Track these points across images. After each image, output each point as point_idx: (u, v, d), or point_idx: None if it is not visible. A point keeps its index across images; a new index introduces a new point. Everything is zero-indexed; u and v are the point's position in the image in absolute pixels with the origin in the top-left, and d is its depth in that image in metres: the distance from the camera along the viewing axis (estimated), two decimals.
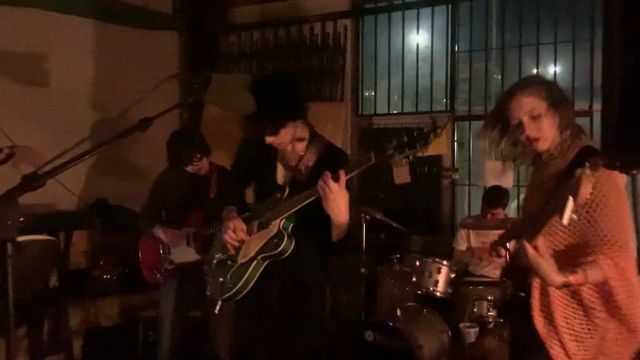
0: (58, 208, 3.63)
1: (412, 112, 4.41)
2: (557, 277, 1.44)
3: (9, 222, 1.16)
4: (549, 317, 1.57)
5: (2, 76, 3.69)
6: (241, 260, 1.98)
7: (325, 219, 1.84)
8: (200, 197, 2.86)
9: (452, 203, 4.21)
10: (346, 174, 1.72)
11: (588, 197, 1.39)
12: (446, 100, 4.27)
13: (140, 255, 2.97)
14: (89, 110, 4.03)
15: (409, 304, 3.36)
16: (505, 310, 1.86)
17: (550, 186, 1.65)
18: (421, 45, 4.41)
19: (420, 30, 4.39)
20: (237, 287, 1.95)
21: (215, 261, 2.09)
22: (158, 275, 2.89)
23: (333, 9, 4.44)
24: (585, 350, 1.56)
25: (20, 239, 1.22)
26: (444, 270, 3.16)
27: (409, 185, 4.21)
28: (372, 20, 4.49)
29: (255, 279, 1.95)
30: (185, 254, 2.82)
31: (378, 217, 3.48)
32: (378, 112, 4.54)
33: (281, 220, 1.92)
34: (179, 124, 4.62)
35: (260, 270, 1.95)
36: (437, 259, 3.20)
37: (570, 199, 1.35)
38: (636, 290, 1.53)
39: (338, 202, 1.73)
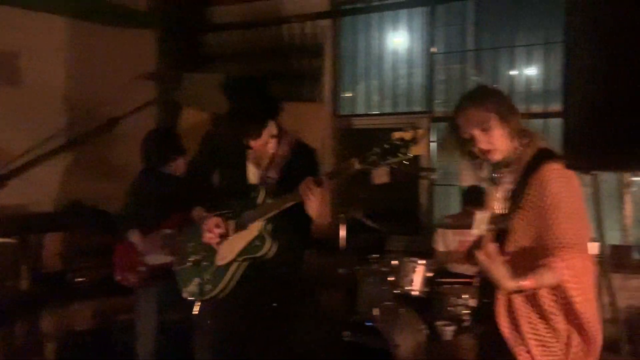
0: (30, 209, 3.55)
1: (391, 113, 4.44)
2: (509, 282, 1.45)
3: None
4: (515, 323, 1.57)
5: None
6: (220, 261, 1.97)
7: (304, 219, 1.86)
8: (176, 200, 2.83)
9: (430, 203, 4.25)
10: (330, 178, 1.76)
11: (495, 209, 1.45)
12: (424, 101, 4.30)
13: (115, 258, 2.92)
14: (62, 110, 3.95)
15: (387, 303, 3.37)
16: (477, 314, 1.87)
17: (510, 191, 1.66)
18: (399, 47, 4.44)
19: (398, 32, 4.42)
20: (218, 288, 1.95)
21: (188, 263, 2.06)
22: (131, 278, 2.85)
23: (312, 9, 4.44)
24: (551, 355, 1.55)
25: None
26: (420, 269, 3.18)
27: (387, 186, 4.22)
28: (351, 21, 4.51)
29: (235, 281, 1.95)
30: (159, 256, 2.78)
31: (357, 218, 3.49)
32: (357, 112, 4.56)
33: (261, 222, 1.92)
34: (155, 125, 4.56)
35: (242, 271, 1.95)
36: (412, 258, 3.22)
37: (477, 212, 1.41)
38: (592, 295, 1.54)
39: (321, 205, 1.77)
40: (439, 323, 3.26)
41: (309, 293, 2.20)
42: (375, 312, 3.15)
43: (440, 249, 3.80)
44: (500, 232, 1.61)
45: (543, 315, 1.54)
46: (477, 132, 1.63)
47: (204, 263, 2.02)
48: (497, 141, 1.63)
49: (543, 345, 1.55)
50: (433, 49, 4.23)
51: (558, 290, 1.51)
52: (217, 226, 1.97)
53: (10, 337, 3.15)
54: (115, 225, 2.93)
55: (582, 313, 1.50)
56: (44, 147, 1.30)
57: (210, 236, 1.97)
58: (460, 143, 1.70)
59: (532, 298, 1.55)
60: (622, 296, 2.86)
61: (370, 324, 3.08)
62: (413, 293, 3.16)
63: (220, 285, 1.95)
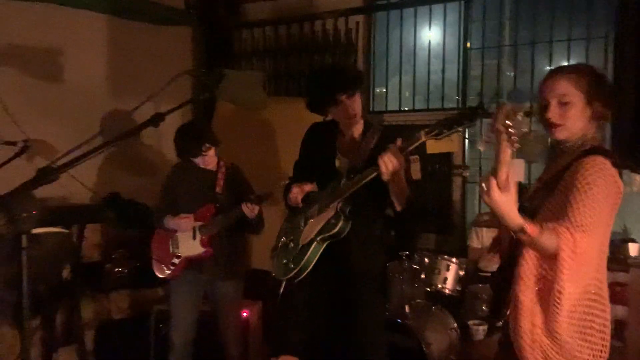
0: (71, 201, 3.68)
1: (424, 109, 4.40)
2: (517, 218, 1.39)
3: (24, 215, 1.18)
4: (521, 307, 1.51)
5: (17, 71, 3.74)
6: (302, 242, 2.11)
7: (381, 198, 2.01)
8: (207, 193, 2.88)
9: (462, 200, 4.19)
10: (401, 151, 1.87)
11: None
12: (458, 98, 4.25)
13: (152, 250, 3.01)
14: (103, 105, 4.06)
15: (418, 301, 3.36)
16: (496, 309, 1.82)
17: (547, 178, 1.61)
18: (433, 42, 4.39)
19: (432, 27, 4.37)
20: (298, 268, 2.07)
21: (280, 245, 2.23)
22: (166, 270, 2.92)
23: (345, 5, 4.43)
24: (516, 326, 1.51)
25: (35, 231, 1.25)
26: (453, 267, 3.15)
27: (419, 183, 4.19)
28: (384, 16, 4.48)
29: (315, 260, 2.07)
30: (191, 247, 2.85)
31: (389, 215, 3.48)
32: (389, 109, 4.53)
33: (338, 202, 2.04)
34: (191, 120, 4.65)
35: (320, 251, 2.07)
36: (446, 256, 3.19)
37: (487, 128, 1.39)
38: (599, 294, 1.47)
39: (398, 173, 1.91)
40: (471, 322, 3.23)
41: (383, 282, 2.29)
42: (407, 309, 3.14)
43: (475, 246, 3.76)
44: (525, 212, 1.53)
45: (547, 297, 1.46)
46: (554, 102, 1.55)
47: (291, 245, 2.17)
48: (570, 119, 1.54)
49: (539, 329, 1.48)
50: (468, 44, 4.16)
51: (548, 264, 1.44)
52: (301, 189, 2.15)
53: (51, 324, 3.27)
54: (153, 220, 3.00)
55: (559, 302, 1.41)
56: (91, 142, 1.35)
57: (294, 195, 2.14)
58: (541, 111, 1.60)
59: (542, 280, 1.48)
60: None
61: (401, 321, 3.07)
62: (445, 291, 3.13)
63: (301, 264, 2.06)
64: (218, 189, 2.88)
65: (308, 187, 2.16)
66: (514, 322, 1.52)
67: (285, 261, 2.16)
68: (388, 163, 1.86)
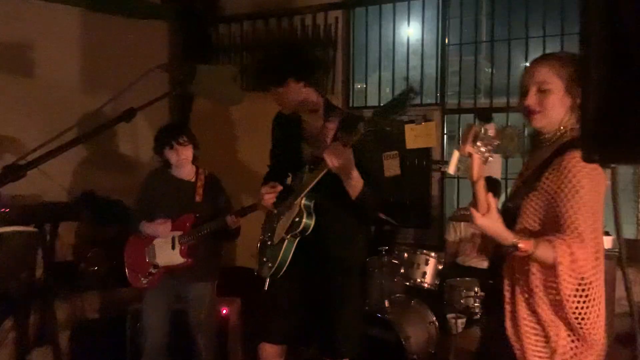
0: (44, 199, 3.59)
1: None
2: (508, 236, 1.39)
3: None
4: (514, 314, 1.50)
5: None
6: (276, 240, 2.13)
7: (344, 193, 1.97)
8: (186, 202, 2.85)
9: (441, 195, 4.23)
10: (344, 144, 1.85)
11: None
12: (436, 93, 4.28)
13: (125, 258, 2.95)
14: (76, 101, 3.97)
15: (398, 295, 3.38)
16: (485, 301, 1.84)
17: (528, 174, 1.59)
18: (412, 38, 4.41)
19: (411, 23, 4.38)
20: (275, 266, 2.09)
21: (259, 243, 2.23)
22: (143, 280, 2.87)
23: (324, 0, 4.42)
24: (540, 349, 1.47)
25: (1, 230, 1.21)
26: (432, 261, 3.18)
27: (398, 178, 4.22)
28: (363, 12, 4.48)
29: (290, 256, 2.08)
30: (169, 257, 2.81)
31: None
32: (369, 104, 4.54)
33: (301, 199, 2.03)
34: (168, 116, 4.59)
35: (293, 247, 2.07)
36: (424, 251, 3.22)
37: (456, 151, 1.37)
38: (589, 293, 1.43)
39: (346, 166, 1.88)
40: (449, 315, 3.26)
41: (360, 274, 2.26)
42: (386, 303, 3.16)
43: (452, 239, 3.80)
44: (508, 211, 1.56)
45: (533, 304, 1.47)
46: (533, 89, 1.51)
47: (268, 243, 2.17)
48: (548, 107, 1.50)
49: (537, 335, 1.47)
50: (446, 40, 4.19)
51: (550, 274, 1.42)
52: (272, 187, 2.12)
53: (25, 324, 3.19)
54: (128, 217, 2.95)
55: (569, 307, 1.41)
56: (61, 138, 1.31)
57: (266, 198, 2.11)
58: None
59: (528, 283, 1.47)
60: (637, 290, 2.84)
61: (380, 315, 3.09)
62: (424, 285, 3.16)
63: (277, 262, 2.08)
64: (198, 198, 2.85)
65: (277, 188, 2.15)
66: (530, 331, 1.49)
67: (264, 259, 2.17)
68: (332, 157, 1.85)
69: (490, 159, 1.37)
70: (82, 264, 3.68)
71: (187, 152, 2.82)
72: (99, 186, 3.99)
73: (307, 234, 2.04)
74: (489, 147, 1.36)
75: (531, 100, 1.52)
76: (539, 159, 1.57)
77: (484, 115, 1.40)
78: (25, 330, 3.17)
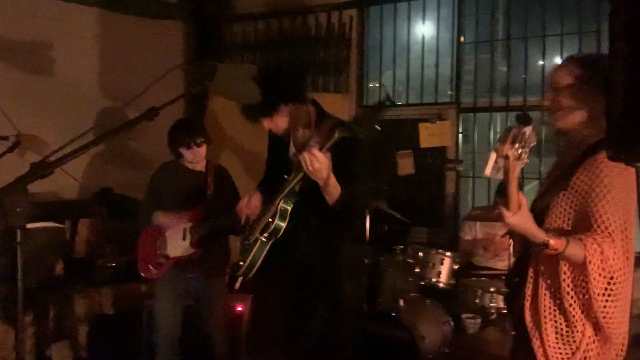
0: (63, 196, 3.65)
1: (417, 104, 4.40)
2: (539, 234, 1.41)
3: (18, 209, 1.17)
4: (536, 309, 1.53)
5: (7, 65, 3.69)
6: (250, 239, 2.13)
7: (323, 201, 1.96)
8: (197, 195, 2.87)
9: (455, 195, 4.21)
10: (319, 149, 1.84)
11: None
12: (451, 92, 4.26)
13: (138, 248, 2.98)
14: (94, 99, 4.03)
15: (412, 294, 3.37)
16: (509, 298, 1.83)
17: (558, 173, 1.61)
18: (427, 36, 4.39)
19: (426, 21, 4.36)
20: (245, 265, 2.09)
21: (240, 242, 2.25)
22: (153, 270, 2.90)
23: None
24: (565, 346, 1.49)
25: (29, 226, 1.23)
26: (447, 261, 3.17)
27: (412, 177, 4.21)
28: (378, 10, 4.46)
29: (261, 257, 2.07)
30: (180, 248, 2.84)
31: (382, 209, 3.49)
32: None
33: (279, 200, 2.03)
34: (184, 114, 4.62)
35: (266, 249, 2.07)
36: (440, 250, 3.21)
37: (493, 153, 1.38)
38: (617, 293, 1.45)
39: (321, 170, 1.87)
40: (464, 316, 3.25)
41: (333, 280, 2.20)
42: (401, 303, 3.16)
43: (467, 238, 3.78)
44: (536, 211, 1.55)
45: (561, 301, 1.49)
46: (549, 90, 1.58)
47: (245, 242, 2.18)
48: (563, 106, 1.54)
49: (558, 333, 1.50)
50: (461, 39, 4.16)
51: (579, 273, 1.45)
52: (254, 198, 2.15)
53: (44, 319, 3.25)
54: (139, 217, 2.99)
55: (598, 305, 1.43)
56: (85, 136, 1.33)
57: (242, 208, 2.15)
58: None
59: (555, 281, 1.49)
60: None
61: (394, 315, 3.08)
62: (439, 285, 3.15)
63: (247, 262, 2.08)
64: (209, 191, 2.88)
65: (255, 199, 2.18)
66: (555, 330, 1.51)
67: (239, 257, 2.19)
68: (307, 161, 1.85)
69: (526, 160, 1.38)
70: (100, 260, 3.73)
71: (203, 151, 2.87)
72: (116, 183, 4.05)
73: (278, 236, 2.03)
74: (526, 149, 1.37)
75: (547, 99, 1.59)
76: (568, 159, 1.59)
77: (524, 119, 1.37)
78: (45, 324, 3.22)
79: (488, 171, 1.40)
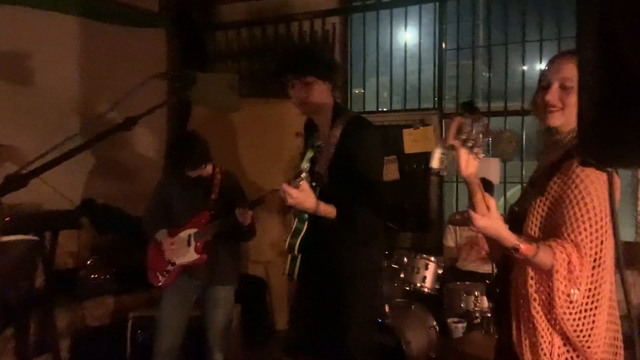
0: (45, 207, 3.59)
1: (401, 110, 4.44)
2: (509, 237, 1.34)
3: None
4: (519, 323, 1.47)
5: None
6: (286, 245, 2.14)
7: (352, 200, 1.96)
8: (202, 200, 2.85)
9: (440, 200, 4.24)
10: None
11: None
12: (434, 98, 4.30)
13: (147, 258, 2.95)
14: (75, 109, 3.99)
15: (398, 300, 3.38)
16: (495, 311, 1.81)
17: (536, 177, 1.56)
18: (409, 43, 4.44)
19: (408, 28, 4.41)
20: (286, 270, 2.11)
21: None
22: (160, 277, 2.87)
23: (321, 6, 4.44)
24: (538, 357, 1.43)
25: (4, 239, 1.21)
26: (432, 266, 3.19)
27: (397, 182, 4.23)
28: (361, 18, 4.51)
29: (296, 270, 2.09)
30: (185, 254, 2.81)
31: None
32: (367, 109, 4.56)
33: (295, 218, 2.06)
34: (167, 123, 4.60)
35: (297, 262, 2.09)
36: (424, 255, 3.22)
37: (437, 145, 1.30)
38: (584, 303, 1.40)
39: (300, 204, 1.90)
40: (450, 320, 3.27)
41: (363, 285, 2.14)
42: (387, 308, 3.16)
43: (450, 245, 3.81)
44: (514, 215, 1.52)
45: (530, 312, 1.43)
46: (556, 84, 1.45)
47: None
48: (569, 105, 1.43)
49: (532, 345, 1.44)
50: (443, 45, 4.21)
51: (545, 280, 1.39)
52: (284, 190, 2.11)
53: (25, 333, 3.19)
54: (143, 226, 2.94)
55: (561, 316, 1.38)
56: (62, 147, 1.32)
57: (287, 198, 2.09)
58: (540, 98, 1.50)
59: (526, 290, 1.44)
60: (635, 293, 2.85)
61: (380, 320, 3.08)
62: (424, 290, 3.16)
63: (287, 268, 2.10)
64: (213, 196, 2.85)
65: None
66: (530, 341, 1.46)
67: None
68: (284, 197, 1.88)
69: (480, 155, 1.29)
70: (83, 272, 3.67)
71: (209, 169, 2.85)
72: (99, 194, 4.00)
73: (294, 252, 2.05)
74: (476, 141, 1.26)
75: (552, 95, 1.45)
76: (548, 161, 1.53)
77: (468, 105, 1.23)
78: (26, 339, 3.16)
79: (434, 163, 1.30)
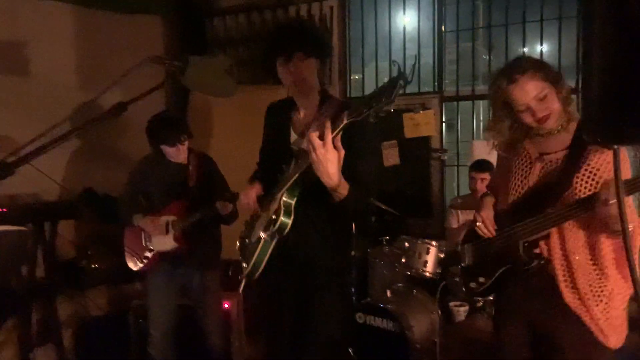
0: (44, 198, 3.58)
1: (401, 94, 4.36)
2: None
3: None
4: (575, 287, 1.64)
5: None
6: (252, 239, 1.94)
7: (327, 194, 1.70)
8: (180, 186, 2.82)
9: (441, 184, 4.21)
10: (320, 138, 1.56)
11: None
12: (434, 81, 4.25)
13: (125, 242, 2.95)
14: (71, 97, 3.94)
15: (399, 285, 3.37)
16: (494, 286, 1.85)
17: (554, 159, 1.71)
18: (408, 26, 4.37)
19: (407, 11, 4.34)
20: (249, 266, 1.90)
21: (239, 242, 2.08)
22: (139, 263, 2.87)
23: None
24: (611, 310, 1.64)
25: None
26: (433, 250, 3.17)
27: (398, 167, 4.20)
28: (359, 1, 4.44)
29: (266, 257, 1.87)
30: (163, 242, 2.80)
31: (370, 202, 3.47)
32: (367, 94, 4.50)
33: (282, 194, 1.80)
34: (166, 108, 4.56)
35: (270, 248, 1.86)
36: (425, 240, 3.20)
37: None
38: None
39: (324, 163, 1.58)
40: (452, 304, 3.26)
41: (341, 276, 2.00)
42: (388, 293, 3.15)
43: (452, 227, 3.78)
44: (554, 190, 1.65)
45: (598, 271, 1.63)
46: (533, 103, 1.65)
47: (246, 242, 2.01)
48: (553, 106, 1.66)
49: (601, 303, 1.64)
50: (443, 28, 4.15)
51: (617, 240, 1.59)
52: (247, 194, 1.98)
53: (27, 323, 3.19)
54: (118, 210, 2.93)
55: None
56: (52, 134, 1.29)
57: (244, 205, 1.98)
58: (510, 117, 1.73)
59: (590, 255, 1.63)
60: None
61: (382, 306, 3.08)
62: (426, 275, 3.15)
63: (251, 262, 1.88)
64: (191, 183, 2.82)
65: (254, 192, 1.97)
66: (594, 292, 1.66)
67: (241, 258, 2.01)
68: (314, 148, 1.56)
69: None
70: (84, 262, 3.68)
71: (185, 147, 2.81)
72: (98, 183, 3.98)
73: (284, 233, 1.81)
74: None
75: (539, 111, 1.66)
76: (556, 144, 1.72)
77: None
78: (28, 329, 3.17)
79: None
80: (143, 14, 4.53)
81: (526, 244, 1.71)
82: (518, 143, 1.79)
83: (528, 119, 1.68)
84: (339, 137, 1.58)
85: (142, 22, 4.51)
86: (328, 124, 1.57)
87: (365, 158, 1.82)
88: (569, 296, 1.65)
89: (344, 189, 1.68)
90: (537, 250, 1.69)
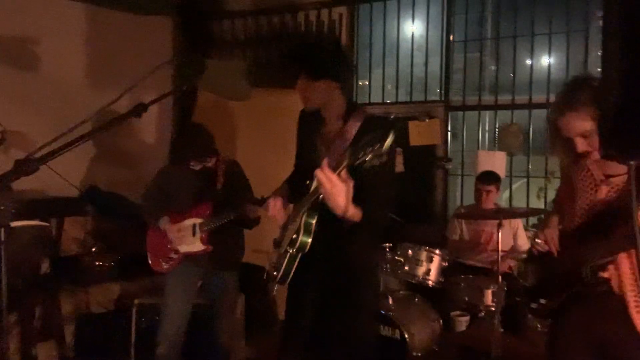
0: (49, 194, 3.60)
1: (406, 102, 4.41)
2: None
3: (2, 208, 1.14)
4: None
5: None
6: (281, 249, 2.00)
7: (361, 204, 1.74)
8: (207, 189, 2.84)
9: (444, 193, 4.23)
10: (334, 170, 1.62)
11: None
12: (440, 90, 4.27)
13: (147, 242, 2.95)
14: (81, 95, 3.97)
15: (401, 292, 3.38)
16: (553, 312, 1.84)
17: (620, 182, 1.66)
18: (416, 35, 4.40)
19: (415, 20, 4.38)
20: (279, 275, 1.96)
21: (273, 243, 2.11)
22: (164, 264, 2.88)
23: None
24: None
25: (13, 224, 1.21)
26: (436, 259, 3.18)
27: (402, 175, 4.22)
28: (368, 8, 4.47)
29: (293, 268, 1.93)
30: (190, 244, 2.81)
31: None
32: (372, 101, 4.54)
33: (302, 214, 1.86)
34: (173, 109, 4.58)
35: (297, 260, 1.92)
36: (429, 248, 3.22)
37: None
38: None
39: (333, 196, 1.64)
40: (453, 313, 3.27)
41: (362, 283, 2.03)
42: (390, 301, 3.16)
43: (454, 238, 3.80)
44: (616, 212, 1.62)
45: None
46: (577, 138, 1.65)
47: (277, 248, 2.06)
48: (596, 144, 1.63)
49: None
50: (451, 37, 4.18)
51: None
52: (278, 203, 2.00)
53: (30, 318, 3.20)
54: (142, 212, 2.94)
55: None
56: (72, 133, 1.31)
57: (271, 213, 2.00)
58: (562, 140, 1.71)
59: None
60: None
61: (383, 313, 3.09)
62: (428, 283, 3.16)
63: (280, 272, 1.95)
64: (218, 186, 2.84)
65: (280, 202, 2.01)
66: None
67: (272, 263, 2.06)
68: (322, 179, 1.62)
69: None
70: (87, 258, 3.69)
71: (213, 161, 2.84)
72: (104, 181, 4.01)
73: (305, 250, 1.87)
74: None
75: (582, 146, 1.66)
76: (622, 167, 1.65)
77: None
78: (30, 324, 3.18)
79: None
80: (153, 15, 4.56)
81: (592, 267, 1.66)
82: (580, 159, 1.77)
83: (574, 147, 1.67)
84: (344, 170, 1.63)
85: (152, 23, 4.55)
86: (326, 162, 1.65)
87: (380, 189, 1.86)
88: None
89: (355, 216, 1.74)
90: (604, 274, 1.65)
